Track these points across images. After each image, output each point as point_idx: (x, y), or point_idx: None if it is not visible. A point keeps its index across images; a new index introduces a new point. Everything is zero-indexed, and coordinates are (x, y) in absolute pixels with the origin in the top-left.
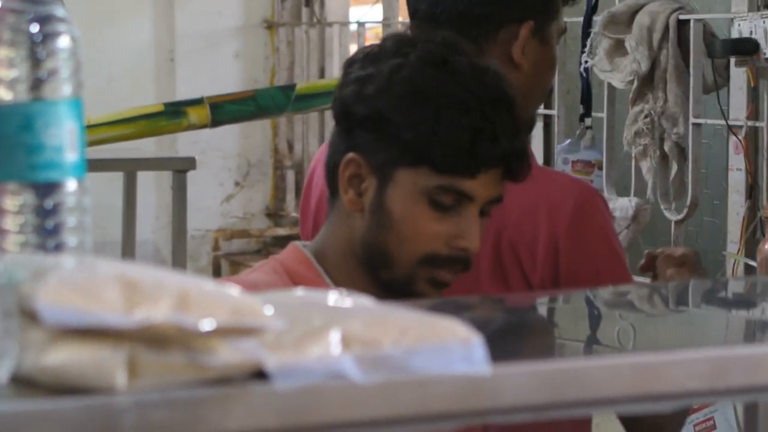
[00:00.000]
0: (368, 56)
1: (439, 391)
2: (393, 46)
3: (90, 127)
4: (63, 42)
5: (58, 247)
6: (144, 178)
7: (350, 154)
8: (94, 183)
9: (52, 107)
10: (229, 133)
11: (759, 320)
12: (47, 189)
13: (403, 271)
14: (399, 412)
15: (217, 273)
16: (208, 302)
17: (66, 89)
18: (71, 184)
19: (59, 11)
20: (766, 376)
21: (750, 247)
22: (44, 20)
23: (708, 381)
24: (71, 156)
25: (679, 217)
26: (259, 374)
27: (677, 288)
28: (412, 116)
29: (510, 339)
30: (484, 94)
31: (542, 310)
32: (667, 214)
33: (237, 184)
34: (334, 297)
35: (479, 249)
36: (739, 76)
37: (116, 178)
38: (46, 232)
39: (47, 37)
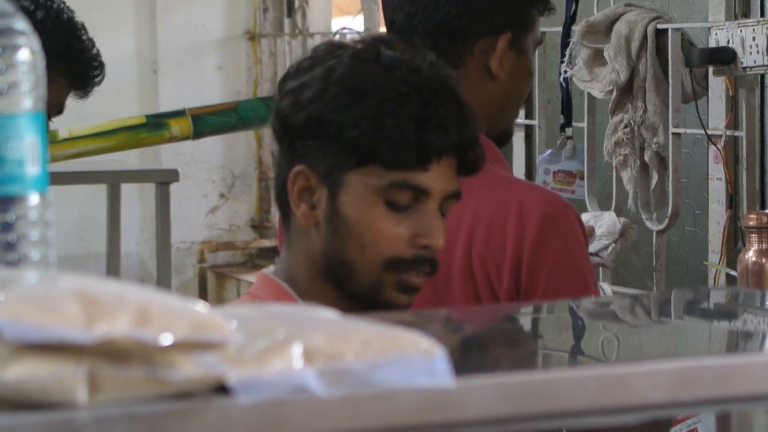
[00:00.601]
0: (301, 67)
1: (402, 404)
2: (324, 50)
3: (72, 139)
4: (23, 55)
5: (21, 261)
6: (128, 190)
7: (297, 167)
8: (78, 196)
9: (12, 120)
10: (213, 144)
11: (740, 331)
12: (9, 203)
13: (369, 279)
14: (362, 425)
15: (203, 285)
16: (169, 316)
17: (26, 103)
18: (33, 198)
19: (19, 24)
20: (732, 386)
21: (731, 257)
22: (3, 33)
23: (674, 392)
24: (33, 169)
25: (661, 227)
26: (221, 389)
27: (656, 298)
28: (352, 114)
29: (475, 352)
30: (423, 83)
31: (510, 322)
32: (648, 224)
33: (222, 195)
34: (297, 310)
35: (450, 262)
36: (717, 85)
37: (100, 191)
38: (8, 246)
39: (6, 50)
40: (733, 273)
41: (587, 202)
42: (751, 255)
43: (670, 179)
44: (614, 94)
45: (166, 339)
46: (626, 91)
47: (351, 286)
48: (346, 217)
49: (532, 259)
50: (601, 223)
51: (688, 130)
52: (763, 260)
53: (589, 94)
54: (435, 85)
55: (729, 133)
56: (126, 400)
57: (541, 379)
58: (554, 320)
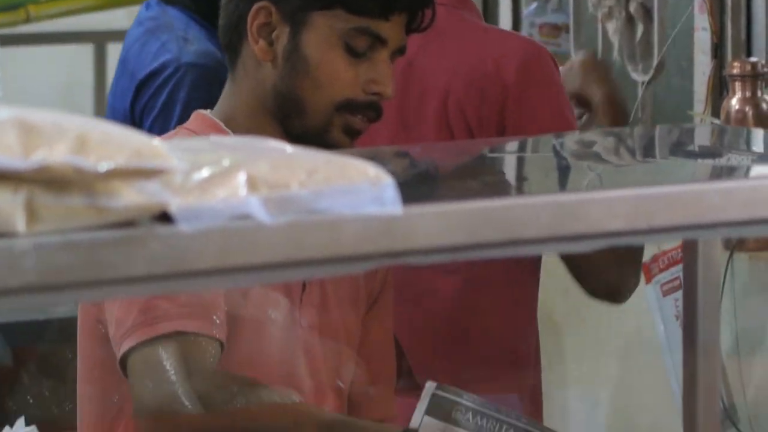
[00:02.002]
0: None
1: (349, 232)
2: None
3: None
4: None
5: None
6: (114, 50)
7: (260, 2)
8: (64, 58)
9: None
10: None
11: (714, 164)
12: None
13: (318, 118)
14: (308, 254)
15: None
16: (109, 144)
17: None
18: None
19: None
20: (689, 215)
21: (716, 107)
22: None
23: (629, 220)
24: None
25: (646, 77)
26: (164, 217)
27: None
28: None
29: (429, 182)
30: None
31: (475, 157)
32: (634, 75)
33: None
34: (244, 141)
35: (425, 110)
36: None
37: (86, 52)
38: None
39: None
40: (718, 121)
41: (573, 55)
42: (734, 103)
43: (656, 30)
44: None
45: (106, 166)
46: None
47: (298, 123)
48: (306, 56)
49: (516, 102)
50: None
51: None
52: (747, 108)
53: None
54: None
55: None
56: (66, 228)
57: (492, 207)
58: (535, 159)
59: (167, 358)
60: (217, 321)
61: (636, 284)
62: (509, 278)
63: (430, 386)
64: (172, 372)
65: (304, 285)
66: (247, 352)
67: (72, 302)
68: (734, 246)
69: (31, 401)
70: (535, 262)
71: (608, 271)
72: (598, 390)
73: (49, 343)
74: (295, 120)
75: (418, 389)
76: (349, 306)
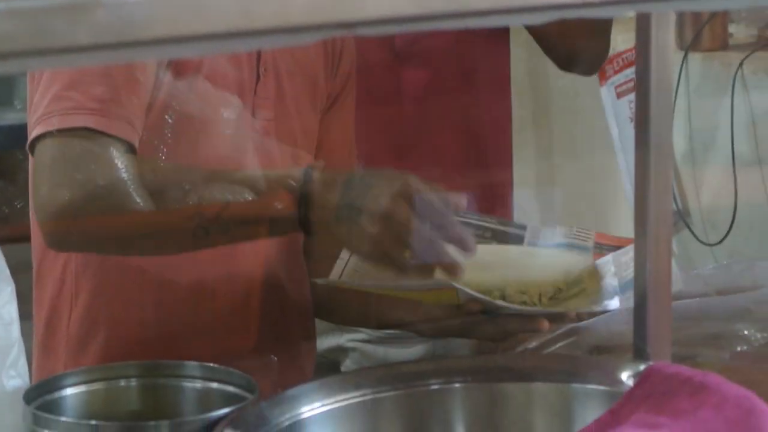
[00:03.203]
0: None
1: (300, 1)
2: None
3: None
4: None
5: None
6: None
7: None
8: None
9: None
10: None
11: None
12: None
13: None
14: (258, 24)
15: None
16: None
17: None
18: None
19: None
20: None
21: None
22: None
23: None
24: None
25: None
26: None
27: None
28: None
29: None
30: None
31: None
32: None
33: None
34: None
35: None
36: None
37: None
38: None
39: None
40: None
41: None
42: None
43: None
44: None
45: None
46: None
47: None
48: None
49: None
50: None
51: None
52: None
53: None
54: None
55: None
56: None
57: None
58: None
59: (73, 152)
60: (130, 121)
61: (604, 56)
62: (478, 72)
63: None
64: (77, 165)
65: (258, 76)
66: (194, 143)
67: (16, 71)
68: (688, 46)
69: None
70: (504, 48)
71: (575, 41)
72: (552, 190)
73: (1, 149)
74: None
75: None
76: (306, 101)
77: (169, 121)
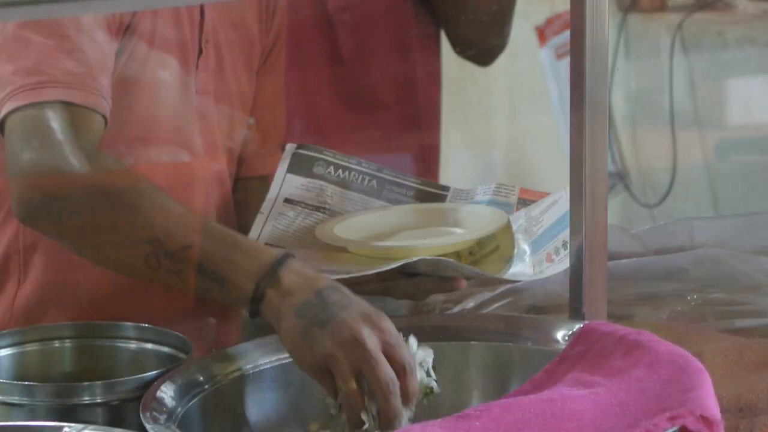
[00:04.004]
0: None
1: None
2: None
3: None
4: None
5: None
6: None
7: None
8: None
9: None
10: None
11: None
12: None
13: None
14: None
15: None
16: None
17: None
18: None
19: None
20: None
21: None
22: None
23: None
24: None
25: None
26: None
27: None
28: None
29: None
30: None
31: None
32: None
33: None
34: None
35: None
36: None
37: None
38: None
39: None
40: None
41: None
42: None
43: None
44: None
45: None
46: None
47: None
48: None
49: None
50: None
51: None
52: None
53: None
54: None
55: None
56: None
57: None
58: None
59: (49, 125)
60: (103, 94)
61: (500, 48)
62: (407, 37)
63: (290, 147)
64: (52, 138)
65: (200, 50)
66: (140, 113)
67: None
68: (627, 6)
69: None
70: (434, 26)
71: (473, 30)
72: (491, 150)
73: None
74: None
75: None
76: (244, 68)
77: (115, 84)
